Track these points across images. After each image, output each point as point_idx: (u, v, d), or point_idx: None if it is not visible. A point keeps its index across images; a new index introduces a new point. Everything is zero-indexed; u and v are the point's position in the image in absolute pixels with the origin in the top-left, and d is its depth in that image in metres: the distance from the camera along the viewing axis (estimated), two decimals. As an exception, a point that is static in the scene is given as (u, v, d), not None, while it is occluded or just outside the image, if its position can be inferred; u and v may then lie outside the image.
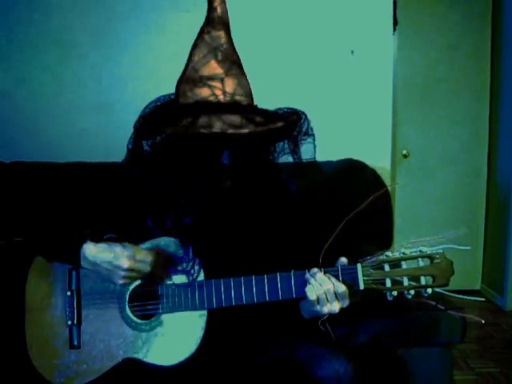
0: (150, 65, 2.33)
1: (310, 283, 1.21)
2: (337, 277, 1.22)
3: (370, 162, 2.13)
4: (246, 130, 1.19)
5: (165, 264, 1.28)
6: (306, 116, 1.30)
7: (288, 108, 1.30)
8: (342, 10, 2.36)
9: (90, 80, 2.34)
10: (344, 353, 1.28)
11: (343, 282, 1.21)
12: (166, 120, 1.22)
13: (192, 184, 1.26)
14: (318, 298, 1.20)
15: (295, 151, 1.31)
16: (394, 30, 2.52)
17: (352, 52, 2.38)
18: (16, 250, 1.32)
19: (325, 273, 1.22)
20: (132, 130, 1.30)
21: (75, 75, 2.33)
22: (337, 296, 1.20)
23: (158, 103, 1.31)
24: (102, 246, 1.24)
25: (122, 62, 2.34)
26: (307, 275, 1.22)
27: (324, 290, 1.19)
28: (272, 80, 2.17)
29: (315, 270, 1.22)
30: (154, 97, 1.33)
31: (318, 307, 1.20)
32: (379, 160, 2.32)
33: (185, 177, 1.27)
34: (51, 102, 2.34)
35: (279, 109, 1.30)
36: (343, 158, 2.11)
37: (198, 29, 1.29)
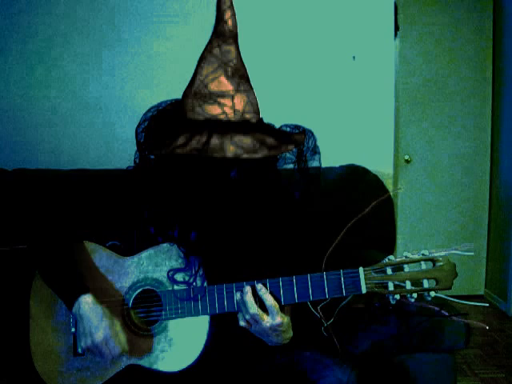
0: (151, 68, 2.34)
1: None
2: (339, 280, 1.21)
3: (372, 167, 2.13)
4: (259, 155, 1.17)
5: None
6: (312, 134, 1.30)
7: (294, 125, 1.29)
8: (344, 15, 2.37)
9: (91, 82, 2.35)
10: (347, 361, 1.28)
11: (345, 286, 1.21)
12: (175, 137, 1.18)
13: (196, 195, 1.25)
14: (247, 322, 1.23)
15: (301, 167, 1.31)
16: (396, 35, 2.53)
17: (353, 57, 2.38)
18: (20, 258, 1.32)
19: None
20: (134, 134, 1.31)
21: (76, 81, 2.35)
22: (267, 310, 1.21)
23: (160, 108, 1.30)
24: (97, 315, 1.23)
25: (122, 65, 2.35)
26: (237, 296, 1.24)
27: (250, 313, 1.21)
28: (274, 86, 2.17)
29: (247, 288, 1.23)
30: (154, 101, 1.33)
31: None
32: (382, 165, 2.32)
33: (189, 188, 1.25)
34: (51, 106, 2.34)
35: (285, 125, 1.29)
36: (346, 163, 2.11)
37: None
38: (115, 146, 2.29)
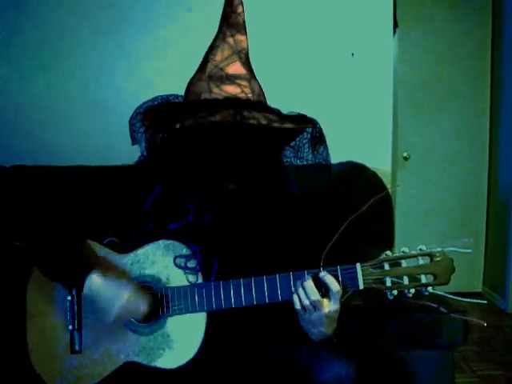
0: (150, 69, 2.33)
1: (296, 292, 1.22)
2: (336, 277, 1.21)
3: (370, 164, 2.13)
4: (288, 125, 1.23)
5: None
6: (317, 122, 1.32)
7: (297, 113, 1.30)
8: (343, 12, 2.37)
9: (90, 82, 2.35)
10: (346, 355, 1.28)
11: (342, 282, 1.21)
12: (196, 111, 1.18)
13: (208, 183, 1.26)
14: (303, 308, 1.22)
15: (315, 152, 1.33)
16: (394, 32, 2.53)
17: (352, 54, 2.38)
18: (17, 255, 1.32)
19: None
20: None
21: (75, 77, 2.34)
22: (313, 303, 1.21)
23: (155, 103, 1.30)
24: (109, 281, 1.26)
25: (121, 65, 2.35)
26: (297, 283, 1.23)
27: (312, 299, 1.20)
28: (272, 82, 2.15)
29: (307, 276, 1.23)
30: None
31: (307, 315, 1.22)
32: (380, 162, 2.32)
33: (202, 177, 1.26)
34: (51, 105, 2.34)
35: (289, 113, 1.30)
36: (344, 160, 2.11)
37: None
38: (114, 143, 2.28)
